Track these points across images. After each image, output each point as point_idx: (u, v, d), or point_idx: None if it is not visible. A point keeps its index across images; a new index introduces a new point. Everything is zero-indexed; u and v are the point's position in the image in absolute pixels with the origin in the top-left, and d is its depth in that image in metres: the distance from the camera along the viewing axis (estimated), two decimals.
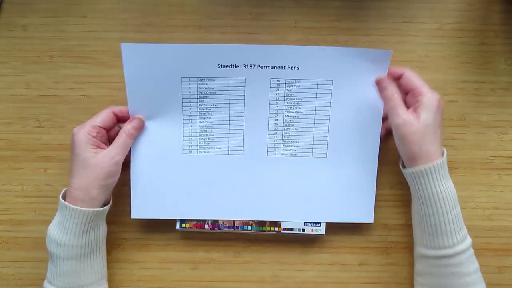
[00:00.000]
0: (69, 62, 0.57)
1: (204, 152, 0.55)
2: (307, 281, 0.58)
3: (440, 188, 0.50)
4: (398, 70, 0.52)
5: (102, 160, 0.50)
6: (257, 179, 0.55)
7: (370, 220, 0.56)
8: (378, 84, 0.53)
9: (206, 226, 0.56)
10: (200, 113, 0.54)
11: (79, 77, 0.57)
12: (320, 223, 0.56)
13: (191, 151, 0.55)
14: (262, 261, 0.58)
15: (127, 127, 0.52)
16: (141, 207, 0.55)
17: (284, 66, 0.52)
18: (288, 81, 0.53)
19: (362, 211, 0.56)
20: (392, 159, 0.56)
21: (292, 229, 0.56)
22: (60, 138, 0.57)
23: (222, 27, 0.57)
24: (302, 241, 0.58)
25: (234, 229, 0.56)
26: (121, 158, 0.51)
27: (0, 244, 0.58)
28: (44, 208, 0.57)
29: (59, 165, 0.57)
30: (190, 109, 0.54)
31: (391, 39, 0.57)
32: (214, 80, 0.53)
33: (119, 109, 0.53)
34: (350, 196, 0.55)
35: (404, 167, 0.52)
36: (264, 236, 0.58)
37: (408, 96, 0.52)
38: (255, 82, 0.53)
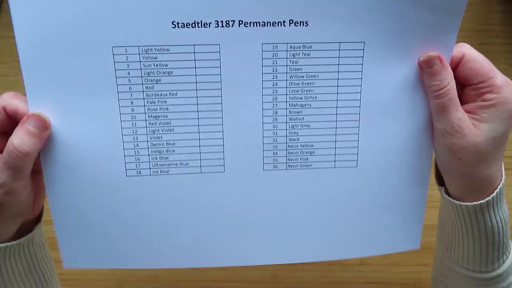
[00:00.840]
0: None
1: (160, 171, 0.35)
2: (307, 281, 0.58)
3: (498, 217, 0.36)
4: (457, 51, 0.34)
5: None
6: (248, 207, 0.37)
7: (417, 246, 0.41)
8: (424, 64, 0.33)
9: None
10: (148, 108, 0.33)
11: None
12: None
13: (139, 172, 0.35)
14: None
15: (16, 138, 0.31)
16: (74, 255, 0.37)
17: (284, 22, 0.32)
18: (291, 46, 0.33)
19: (407, 235, 0.40)
20: None
21: None
22: None
23: None
24: None
25: None
26: (13, 186, 0.32)
27: None
28: (44, 208, 0.57)
29: None
30: (132, 102, 0.33)
31: None
32: (168, 50, 0.32)
33: (14, 105, 0.33)
34: (393, 219, 0.38)
35: (447, 193, 0.37)
36: None
37: (469, 91, 0.34)
38: (236, 50, 0.32)
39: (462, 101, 0.34)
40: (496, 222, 0.36)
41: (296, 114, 0.35)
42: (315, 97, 0.34)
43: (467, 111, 0.34)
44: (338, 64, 0.34)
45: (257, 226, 0.37)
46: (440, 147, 0.35)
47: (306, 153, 0.36)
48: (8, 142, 0.32)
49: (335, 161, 0.36)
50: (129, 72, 0.33)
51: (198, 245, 0.37)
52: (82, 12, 0.31)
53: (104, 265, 0.37)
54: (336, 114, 0.35)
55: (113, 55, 0.32)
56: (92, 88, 0.33)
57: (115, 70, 0.32)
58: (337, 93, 0.34)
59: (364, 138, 0.36)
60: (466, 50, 0.34)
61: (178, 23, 0.31)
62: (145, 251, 0.37)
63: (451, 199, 0.37)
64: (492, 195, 0.35)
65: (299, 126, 0.35)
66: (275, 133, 0.35)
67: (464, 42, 0.56)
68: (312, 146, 0.36)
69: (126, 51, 0.32)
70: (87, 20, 0.31)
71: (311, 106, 0.35)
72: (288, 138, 0.36)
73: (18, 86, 0.57)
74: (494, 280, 0.38)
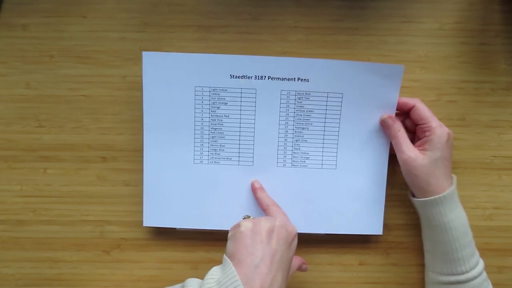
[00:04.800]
0: (69, 62, 0.57)
1: (214, 162, 0.55)
2: (307, 281, 0.58)
3: (450, 217, 0.50)
4: (408, 101, 0.52)
5: None
6: (266, 189, 0.55)
7: (379, 231, 0.56)
8: (383, 124, 0.54)
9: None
10: (211, 123, 0.54)
11: (79, 77, 0.57)
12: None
13: (202, 161, 0.55)
14: None
15: None
16: (153, 216, 0.55)
17: (294, 78, 0.53)
18: (298, 93, 0.54)
19: (371, 223, 0.56)
20: (391, 160, 0.56)
21: None
22: (60, 138, 0.57)
23: (222, 27, 0.57)
24: (302, 241, 0.58)
25: None
26: None
27: (0, 244, 0.58)
28: (44, 208, 0.57)
29: (59, 165, 0.57)
30: (202, 119, 0.54)
31: (391, 39, 0.57)
32: (226, 90, 0.54)
33: None
34: (359, 208, 0.55)
35: (413, 196, 0.53)
36: None
37: (418, 128, 0.52)
38: (265, 93, 0.54)
39: (416, 135, 0.53)
40: (449, 220, 0.50)
41: (298, 133, 0.55)
42: (311, 124, 0.55)
43: (418, 145, 0.51)
44: (326, 105, 0.54)
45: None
46: (403, 170, 0.52)
47: (304, 158, 0.56)
48: None
49: (322, 164, 0.56)
50: (202, 101, 0.54)
51: (236, 212, 0.55)
52: (181, 70, 0.53)
53: (172, 224, 0.56)
54: (324, 135, 0.55)
55: (195, 91, 0.54)
56: (181, 110, 0.54)
57: (194, 99, 0.54)
58: (325, 122, 0.55)
59: (341, 151, 0.55)
60: (416, 102, 0.52)
61: (233, 75, 0.53)
62: (202, 215, 0.55)
63: (413, 198, 0.53)
64: (440, 195, 0.50)
65: (300, 140, 0.55)
66: (285, 144, 0.55)
67: (464, 42, 0.57)
68: (308, 153, 0.56)
69: (202, 89, 0.54)
70: (185, 73, 0.53)
71: (308, 129, 0.55)
72: (293, 147, 0.55)
73: (18, 86, 0.57)
74: (460, 287, 0.50)
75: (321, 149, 0.55)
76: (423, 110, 0.51)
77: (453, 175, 0.52)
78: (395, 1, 0.57)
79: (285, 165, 0.55)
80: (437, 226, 0.50)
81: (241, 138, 0.55)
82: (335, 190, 0.55)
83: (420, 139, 0.52)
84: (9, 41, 0.56)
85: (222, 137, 0.55)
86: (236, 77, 0.53)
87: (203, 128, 0.55)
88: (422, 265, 0.58)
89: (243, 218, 0.48)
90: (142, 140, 0.56)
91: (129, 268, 0.58)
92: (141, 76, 0.56)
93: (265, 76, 0.53)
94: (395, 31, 0.57)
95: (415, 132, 0.54)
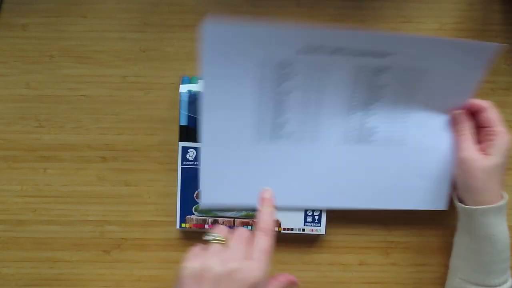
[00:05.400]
0: (69, 62, 0.57)
1: (276, 139, 0.52)
2: (307, 281, 0.58)
3: (496, 230, 0.49)
4: (481, 104, 0.52)
5: None
6: (332, 167, 0.54)
7: (444, 207, 0.55)
8: (452, 117, 0.53)
9: (206, 226, 0.56)
10: (275, 99, 0.51)
11: (79, 77, 0.57)
12: (320, 222, 0.56)
13: (262, 139, 0.52)
14: None
15: None
16: (210, 194, 0.53)
17: (370, 53, 0.49)
18: (370, 69, 0.50)
19: (436, 198, 0.55)
20: None
21: (292, 229, 0.56)
22: (60, 138, 0.57)
23: None
24: (302, 241, 0.58)
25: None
26: None
27: (0, 244, 0.58)
28: (44, 208, 0.57)
29: (59, 165, 0.57)
30: (265, 95, 0.51)
31: None
32: (292, 65, 0.49)
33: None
34: (426, 184, 0.55)
35: (459, 201, 0.52)
36: None
37: (482, 131, 0.52)
38: (335, 68, 0.50)
39: (478, 137, 0.52)
40: (495, 233, 0.49)
41: (367, 109, 0.52)
42: (382, 98, 0.52)
43: (480, 148, 0.51)
44: (400, 81, 0.51)
45: (337, 178, 0.54)
46: (460, 169, 0.51)
47: (372, 133, 0.53)
48: None
49: (391, 140, 0.53)
50: (266, 76, 0.50)
51: (298, 189, 0.54)
52: (244, 43, 0.47)
53: (230, 203, 0.54)
54: (394, 111, 0.53)
55: (259, 66, 0.49)
56: (242, 86, 0.50)
57: (258, 75, 0.49)
58: (396, 98, 0.52)
59: (411, 128, 0.53)
60: (488, 108, 0.51)
61: (301, 50, 0.48)
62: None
63: (461, 204, 0.51)
64: (494, 204, 0.49)
65: (368, 116, 0.53)
66: (353, 120, 0.53)
67: None
68: (376, 129, 0.53)
69: (266, 64, 0.49)
70: (248, 46, 0.48)
71: (377, 105, 0.52)
72: (361, 123, 0.53)
73: (18, 86, 0.57)
74: None
75: (390, 125, 0.53)
76: (494, 113, 0.51)
77: (503, 192, 0.51)
78: (395, 1, 0.57)
79: (351, 141, 0.53)
80: (483, 236, 0.49)
81: (306, 115, 0.52)
82: (403, 166, 0.54)
83: (481, 142, 0.51)
84: (9, 41, 0.56)
85: (285, 114, 0.52)
86: (304, 52, 0.48)
87: (265, 104, 0.51)
88: (422, 265, 0.58)
89: (209, 240, 0.42)
90: (142, 140, 0.56)
91: (129, 268, 0.58)
92: (141, 76, 0.56)
93: (337, 50, 0.48)
94: (395, 31, 0.57)
95: (476, 134, 0.53)
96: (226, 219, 0.56)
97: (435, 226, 0.58)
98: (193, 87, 0.55)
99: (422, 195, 0.55)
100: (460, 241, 0.52)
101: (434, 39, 0.50)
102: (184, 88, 0.54)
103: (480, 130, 0.52)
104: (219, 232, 0.42)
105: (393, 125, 0.53)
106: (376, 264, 0.58)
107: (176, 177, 0.55)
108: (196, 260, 0.39)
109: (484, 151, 0.50)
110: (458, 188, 0.52)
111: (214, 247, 0.41)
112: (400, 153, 0.54)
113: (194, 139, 0.55)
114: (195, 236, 0.58)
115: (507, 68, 0.57)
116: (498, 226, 0.49)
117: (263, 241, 0.41)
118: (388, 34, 0.51)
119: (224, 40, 0.47)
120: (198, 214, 0.56)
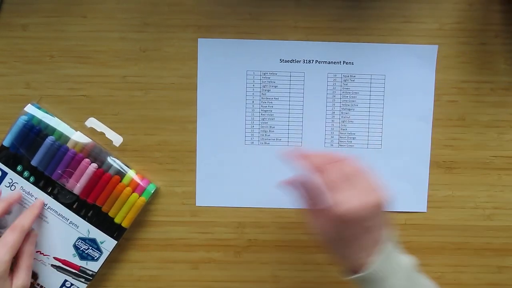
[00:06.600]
0: (69, 62, 0.57)
1: (264, 143, 0.57)
2: (307, 281, 0.58)
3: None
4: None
5: None
6: None
7: (424, 209, 0.58)
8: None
9: None
10: (262, 105, 0.57)
11: (79, 77, 0.57)
12: None
13: (252, 142, 0.57)
14: (262, 261, 0.58)
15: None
16: (205, 196, 0.58)
17: (340, 62, 0.56)
18: (343, 75, 0.56)
19: (415, 200, 0.58)
20: None
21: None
22: None
23: (222, 27, 0.57)
24: (302, 241, 0.58)
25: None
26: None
27: None
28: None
29: None
30: (253, 101, 0.57)
31: (391, 39, 0.57)
32: (276, 74, 0.57)
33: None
34: (404, 187, 0.57)
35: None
36: (264, 236, 0.58)
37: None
38: (313, 76, 0.57)
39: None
40: None
41: (345, 114, 0.57)
42: (357, 105, 0.57)
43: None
44: (370, 87, 0.57)
45: None
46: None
47: (351, 138, 0.57)
48: None
49: (368, 144, 0.57)
50: (253, 84, 0.57)
51: (281, 190, 0.53)
52: (233, 56, 0.56)
53: (222, 203, 0.58)
54: (369, 116, 0.57)
55: (247, 75, 0.57)
56: (233, 93, 0.57)
57: (246, 83, 0.57)
58: (370, 103, 0.57)
59: (386, 130, 0.57)
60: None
61: (283, 60, 0.56)
62: (252, 194, 0.58)
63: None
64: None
65: (346, 121, 0.57)
66: (332, 125, 0.57)
67: (464, 42, 0.57)
68: (354, 134, 0.57)
69: (253, 73, 0.57)
70: (237, 59, 0.56)
71: (354, 110, 0.57)
72: (340, 128, 0.57)
73: (17, 86, 0.57)
74: None
75: (366, 129, 0.57)
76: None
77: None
78: (395, 1, 0.57)
79: (332, 145, 0.57)
80: None
81: (290, 119, 0.57)
82: (380, 169, 0.54)
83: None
84: (9, 41, 0.56)
85: (272, 119, 0.57)
86: (286, 61, 0.56)
87: (253, 110, 0.57)
88: (422, 265, 0.58)
89: None
90: (141, 140, 0.56)
91: (129, 268, 0.58)
92: (141, 76, 0.56)
93: (313, 60, 0.56)
94: (395, 31, 0.57)
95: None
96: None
97: (436, 227, 0.58)
98: (40, 115, 0.55)
99: (402, 198, 0.57)
100: None
101: (387, 46, 0.56)
102: (30, 110, 0.55)
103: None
104: None
105: (369, 130, 0.57)
106: None
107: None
108: None
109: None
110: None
111: None
112: (379, 157, 0.57)
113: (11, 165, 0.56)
114: (195, 236, 0.58)
115: (507, 68, 0.57)
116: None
117: (10, 236, 0.50)
118: (348, 44, 0.56)
119: (215, 53, 0.55)
120: None
